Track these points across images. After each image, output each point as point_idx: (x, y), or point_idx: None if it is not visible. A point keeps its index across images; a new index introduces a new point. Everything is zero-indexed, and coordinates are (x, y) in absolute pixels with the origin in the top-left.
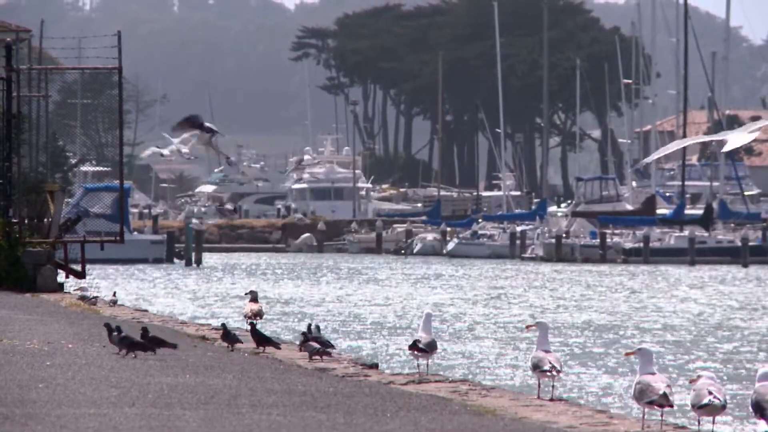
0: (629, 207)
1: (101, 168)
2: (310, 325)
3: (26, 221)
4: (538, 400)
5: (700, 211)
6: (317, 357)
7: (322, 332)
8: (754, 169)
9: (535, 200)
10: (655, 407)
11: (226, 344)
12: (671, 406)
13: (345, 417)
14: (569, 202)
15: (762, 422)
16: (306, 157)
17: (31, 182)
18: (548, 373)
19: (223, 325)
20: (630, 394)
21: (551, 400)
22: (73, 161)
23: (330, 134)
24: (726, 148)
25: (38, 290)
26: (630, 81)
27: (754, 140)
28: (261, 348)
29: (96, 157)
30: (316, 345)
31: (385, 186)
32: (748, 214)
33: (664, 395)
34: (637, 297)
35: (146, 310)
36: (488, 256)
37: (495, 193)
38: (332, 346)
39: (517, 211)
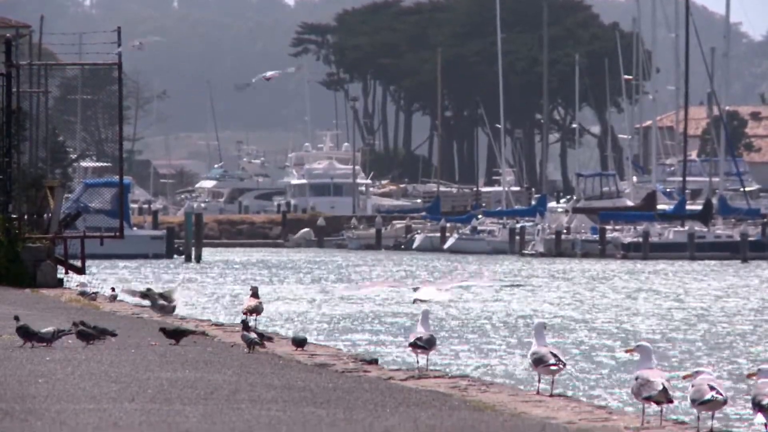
0: (629, 203)
1: (101, 163)
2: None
3: (26, 217)
4: (537, 396)
5: (700, 207)
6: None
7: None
8: (753, 165)
9: (535, 196)
10: (653, 403)
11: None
12: (670, 401)
13: (345, 412)
14: (568, 197)
15: (759, 415)
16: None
17: (31, 178)
18: (553, 367)
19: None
20: (630, 390)
21: (551, 395)
22: (73, 157)
23: (329, 130)
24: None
25: (38, 286)
26: (630, 77)
27: (755, 136)
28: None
29: (96, 152)
30: (253, 335)
31: (384, 182)
32: (748, 210)
33: (663, 391)
34: (635, 294)
35: (146, 306)
36: (488, 252)
37: (495, 188)
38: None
39: (517, 207)
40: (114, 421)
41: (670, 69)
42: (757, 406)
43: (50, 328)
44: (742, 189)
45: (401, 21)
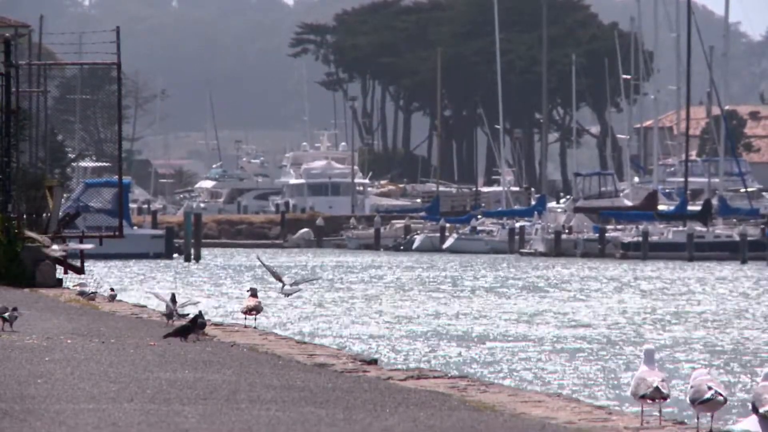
0: (627, 202)
1: (100, 163)
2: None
3: (25, 217)
4: (537, 396)
5: (699, 207)
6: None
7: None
8: (752, 165)
9: (535, 196)
10: (649, 401)
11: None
12: (665, 398)
13: (344, 412)
14: (567, 197)
15: (752, 416)
16: None
17: (31, 178)
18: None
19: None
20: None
21: (548, 394)
22: (72, 156)
23: (327, 130)
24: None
25: (37, 286)
26: (629, 77)
27: (754, 136)
28: None
29: (95, 152)
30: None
31: (383, 182)
32: (748, 210)
33: (657, 389)
34: (634, 295)
35: (145, 306)
36: (487, 252)
37: (494, 188)
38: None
39: (516, 207)
40: (113, 421)
41: (670, 68)
42: (755, 412)
43: None
44: (744, 189)
45: (400, 20)
